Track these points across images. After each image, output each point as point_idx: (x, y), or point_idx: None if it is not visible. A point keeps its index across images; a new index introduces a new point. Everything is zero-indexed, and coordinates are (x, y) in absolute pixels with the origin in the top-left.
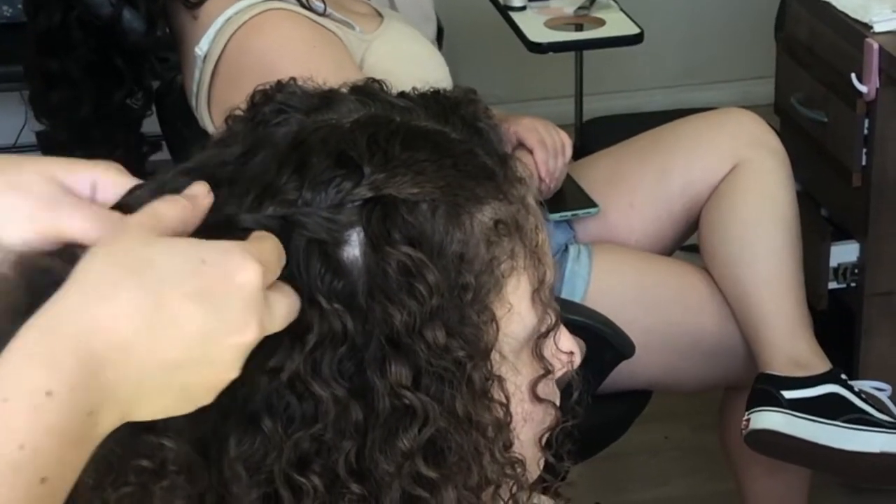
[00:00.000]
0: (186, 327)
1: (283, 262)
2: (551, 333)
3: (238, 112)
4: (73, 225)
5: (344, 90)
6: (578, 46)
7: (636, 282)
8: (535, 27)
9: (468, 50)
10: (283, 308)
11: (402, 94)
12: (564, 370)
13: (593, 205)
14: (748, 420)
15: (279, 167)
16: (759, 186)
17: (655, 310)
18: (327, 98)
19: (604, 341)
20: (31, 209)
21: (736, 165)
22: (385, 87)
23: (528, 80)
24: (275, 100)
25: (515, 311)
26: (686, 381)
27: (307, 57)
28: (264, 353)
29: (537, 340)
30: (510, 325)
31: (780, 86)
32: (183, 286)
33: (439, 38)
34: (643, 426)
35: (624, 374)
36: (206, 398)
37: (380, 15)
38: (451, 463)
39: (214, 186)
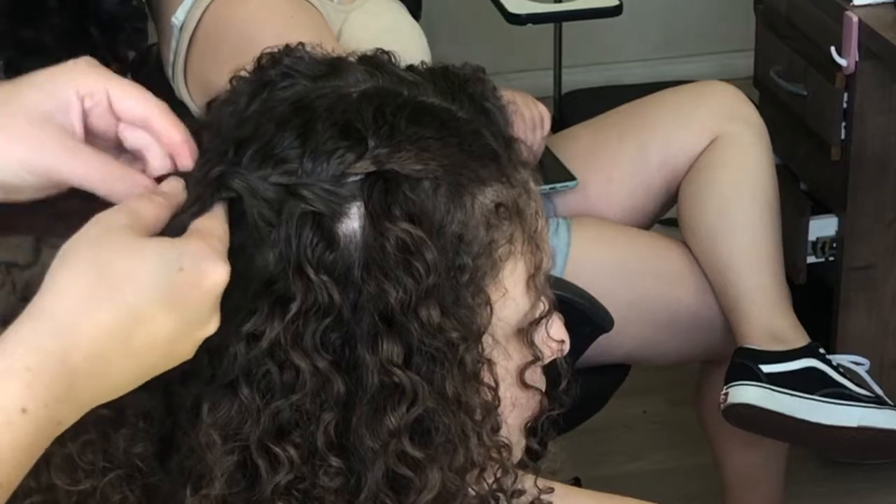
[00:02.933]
0: (160, 334)
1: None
2: (544, 320)
3: (244, 73)
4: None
5: (352, 59)
6: (557, 18)
7: (615, 255)
8: None
9: (446, 21)
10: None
11: (410, 68)
12: (554, 358)
13: (572, 178)
14: (726, 394)
15: (278, 127)
16: (738, 160)
17: (634, 283)
18: (335, 66)
19: (582, 315)
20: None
21: (715, 139)
22: (394, 59)
23: (507, 52)
24: (282, 63)
25: (510, 295)
26: (664, 354)
27: (285, 28)
28: (238, 321)
29: (529, 327)
30: (504, 309)
31: (759, 59)
32: (159, 295)
33: (418, 10)
34: (621, 400)
35: (603, 347)
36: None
37: None
38: (437, 444)
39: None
